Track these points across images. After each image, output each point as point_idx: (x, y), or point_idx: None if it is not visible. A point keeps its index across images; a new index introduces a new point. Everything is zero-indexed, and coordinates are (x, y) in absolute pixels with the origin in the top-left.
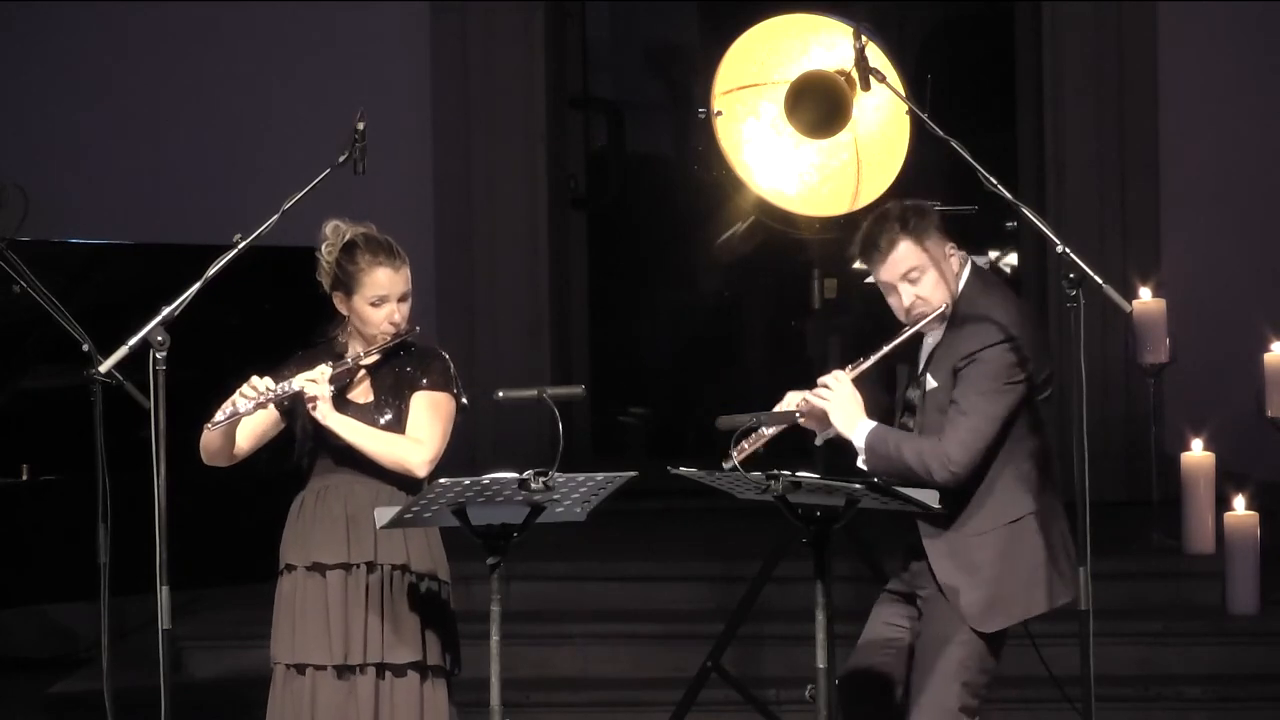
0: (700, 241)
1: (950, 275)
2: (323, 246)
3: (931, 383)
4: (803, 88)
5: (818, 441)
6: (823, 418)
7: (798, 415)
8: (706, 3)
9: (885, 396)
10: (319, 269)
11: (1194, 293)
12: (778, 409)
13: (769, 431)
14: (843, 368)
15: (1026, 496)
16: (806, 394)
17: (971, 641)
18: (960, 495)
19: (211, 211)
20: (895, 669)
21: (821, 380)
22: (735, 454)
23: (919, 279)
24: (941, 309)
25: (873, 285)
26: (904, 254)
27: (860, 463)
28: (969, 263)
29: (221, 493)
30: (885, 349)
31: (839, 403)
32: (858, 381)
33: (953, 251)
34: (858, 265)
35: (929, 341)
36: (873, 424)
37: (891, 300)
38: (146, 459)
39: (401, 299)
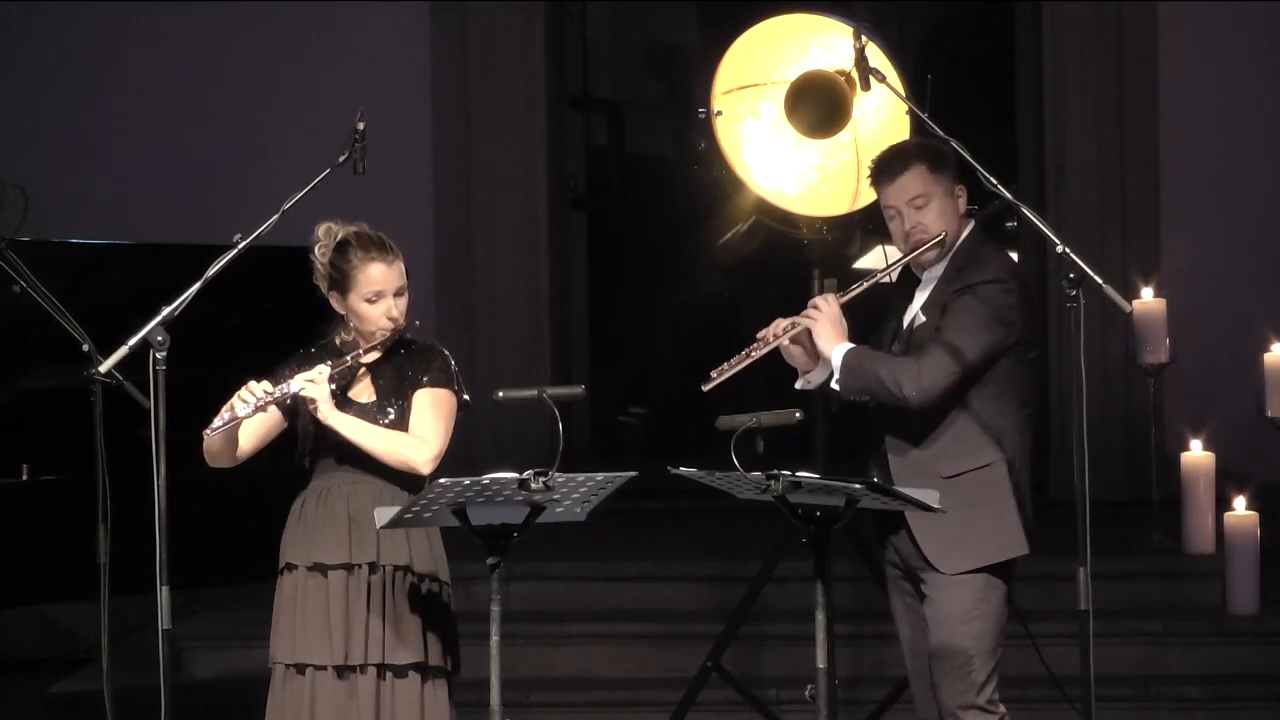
0: (700, 241)
1: (954, 213)
2: (316, 249)
3: (922, 317)
4: (803, 88)
5: (797, 385)
6: (806, 344)
7: (797, 414)
8: (706, 3)
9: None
10: (314, 271)
11: (1194, 293)
12: (766, 332)
13: (757, 354)
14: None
15: (996, 446)
16: (793, 319)
17: (978, 614)
18: (930, 436)
19: (211, 211)
20: None
21: (812, 301)
22: (715, 374)
23: (923, 206)
24: (940, 236)
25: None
26: (913, 178)
27: (834, 382)
28: (974, 221)
29: (221, 493)
30: (878, 275)
31: (825, 321)
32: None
33: (961, 192)
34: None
35: (919, 297)
36: (852, 345)
37: (893, 225)
38: (146, 459)
39: (397, 294)
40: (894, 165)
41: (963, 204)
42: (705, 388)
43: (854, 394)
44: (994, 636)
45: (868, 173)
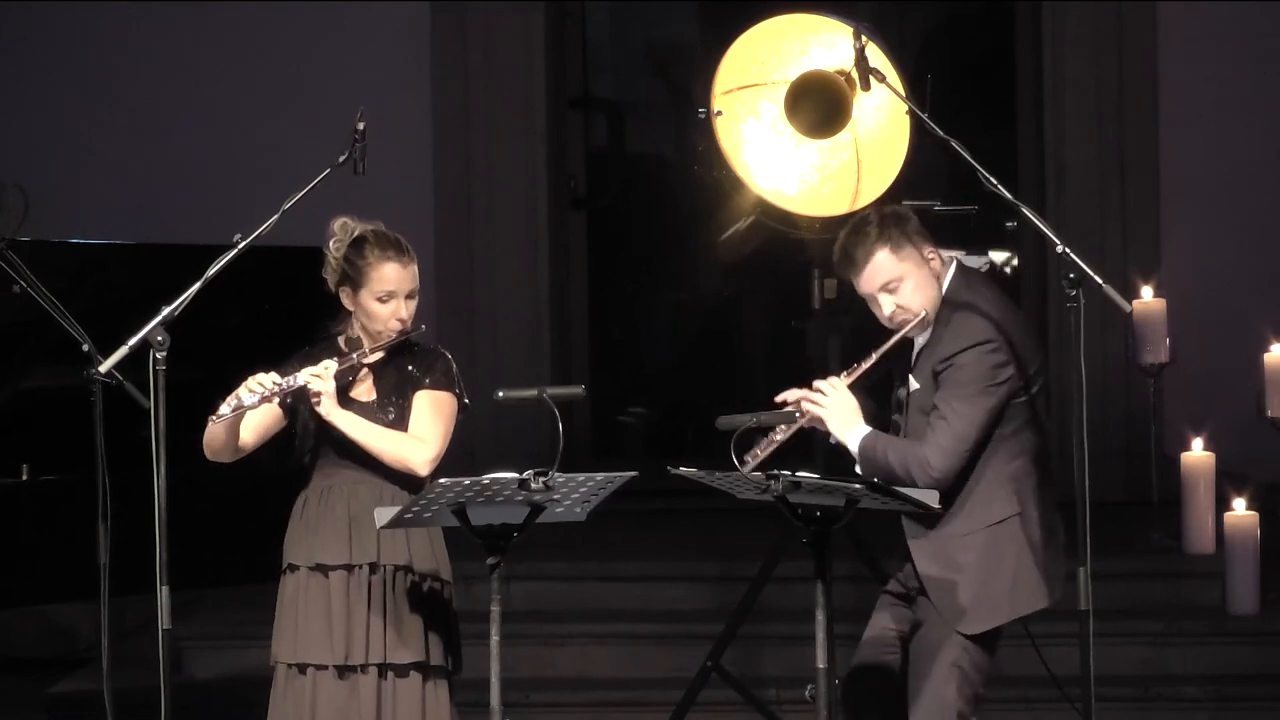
0: (700, 241)
1: (930, 280)
2: (330, 242)
3: (914, 384)
4: (803, 88)
5: (832, 440)
6: (820, 422)
7: (797, 415)
8: (706, 3)
9: (873, 403)
10: (325, 265)
11: (1194, 293)
12: (775, 410)
13: (780, 438)
14: (838, 374)
15: (1011, 498)
16: (803, 396)
17: (963, 643)
18: (943, 496)
19: (211, 211)
20: (898, 668)
21: (816, 385)
22: (750, 459)
23: (897, 288)
24: (921, 316)
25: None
26: (880, 265)
27: (858, 469)
28: (953, 263)
29: (221, 493)
30: (875, 356)
31: (834, 409)
32: (855, 386)
33: (932, 254)
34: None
35: (919, 341)
36: (867, 430)
37: (874, 309)
38: (146, 459)
39: (409, 296)
40: (856, 256)
41: (936, 264)
42: (745, 472)
43: (877, 479)
44: (976, 662)
45: (834, 258)
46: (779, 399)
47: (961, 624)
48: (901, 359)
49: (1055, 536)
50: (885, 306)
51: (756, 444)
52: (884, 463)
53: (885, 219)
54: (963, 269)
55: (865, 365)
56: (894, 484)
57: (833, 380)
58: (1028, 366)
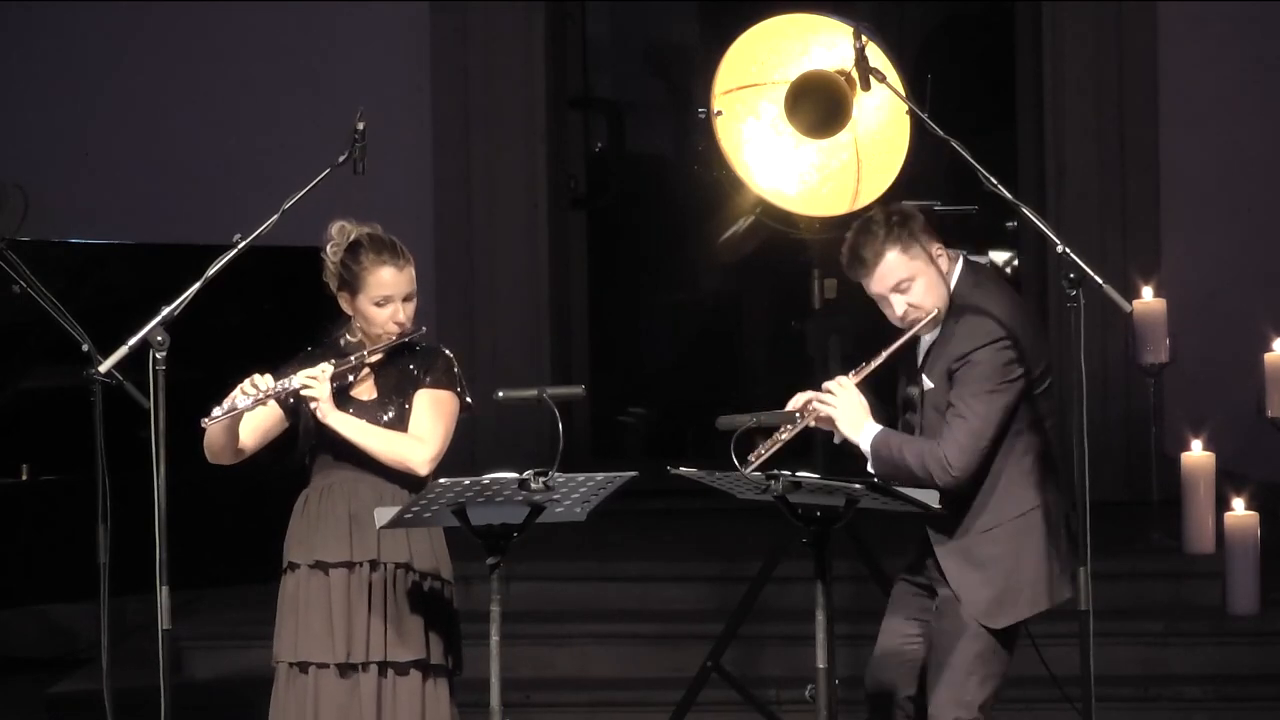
0: (700, 241)
1: (939, 278)
2: (328, 247)
3: (928, 383)
4: (803, 88)
5: (836, 440)
6: (829, 422)
7: (797, 415)
8: (706, 3)
9: (879, 401)
10: (325, 269)
11: (1194, 293)
12: (789, 410)
13: (785, 437)
14: (845, 373)
15: (1031, 490)
16: (813, 397)
17: (986, 635)
18: (964, 494)
19: (211, 211)
20: (920, 658)
21: (826, 386)
22: (753, 458)
23: (909, 288)
24: (934, 314)
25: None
26: (891, 266)
27: (869, 467)
28: (960, 259)
29: (221, 493)
30: (885, 354)
31: (844, 408)
32: (862, 384)
33: (940, 251)
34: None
35: (926, 339)
36: (878, 428)
37: (885, 309)
38: (146, 459)
39: (406, 299)
40: (865, 257)
41: (944, 261)
42: (747, 471)
43: (889, 479)
44: (997, 654)
45: (841, 259)
46: (790, 404)
47: (987, 619)
48: (908, 357)
49: (1071, 531)
50: (897, 306)
51: (759, 444)
52: (900, 461)
53: (892, 219)
54: (970, 265)
55: (874, 364)
56: (911, 483)
57: (841, 380)
58: (1035, 364)
